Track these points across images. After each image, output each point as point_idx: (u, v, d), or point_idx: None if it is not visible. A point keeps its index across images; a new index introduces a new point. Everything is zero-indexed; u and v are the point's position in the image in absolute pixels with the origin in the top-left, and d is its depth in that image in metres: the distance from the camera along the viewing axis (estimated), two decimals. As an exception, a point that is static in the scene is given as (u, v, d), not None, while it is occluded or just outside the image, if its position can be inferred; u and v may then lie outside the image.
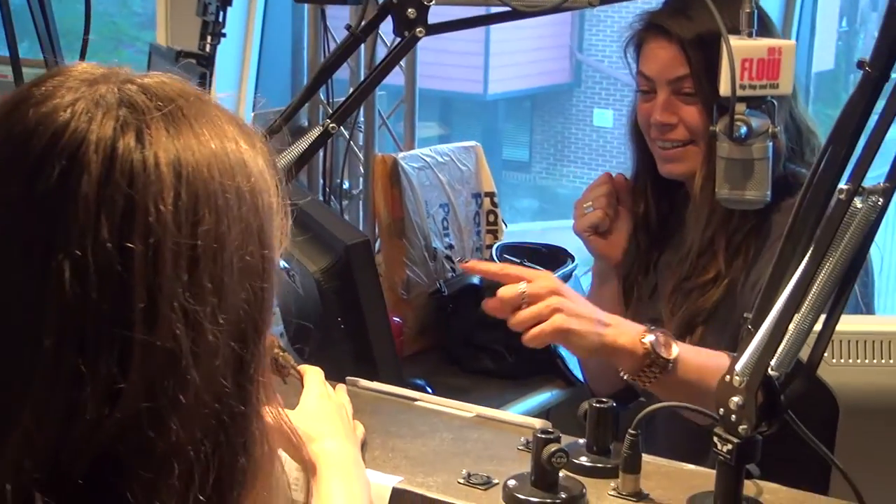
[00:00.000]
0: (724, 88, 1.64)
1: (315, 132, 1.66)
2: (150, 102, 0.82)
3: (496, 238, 2.74)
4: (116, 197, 0.78)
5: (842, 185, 1.17)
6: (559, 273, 2.45)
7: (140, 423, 0.77)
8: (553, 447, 1.32)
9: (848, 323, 1.45)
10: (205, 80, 2.59)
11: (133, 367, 0.77)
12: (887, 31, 1.13)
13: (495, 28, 9.05)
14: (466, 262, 1.60)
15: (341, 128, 2.70)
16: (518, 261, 2.55)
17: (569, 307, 1.60)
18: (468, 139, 2.80)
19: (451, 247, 2.66)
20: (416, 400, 1.61)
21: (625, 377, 1.64)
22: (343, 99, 1.68)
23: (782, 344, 1.25)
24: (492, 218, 2.77)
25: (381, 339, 1.82)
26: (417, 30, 1.66)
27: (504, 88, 10.85)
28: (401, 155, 2.60)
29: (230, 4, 2.46)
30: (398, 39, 1.66)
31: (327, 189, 2.76)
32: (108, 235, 0.77)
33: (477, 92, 10.49)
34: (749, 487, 1.36)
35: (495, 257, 2.54)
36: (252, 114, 2.96)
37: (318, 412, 1.36)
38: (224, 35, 2.73)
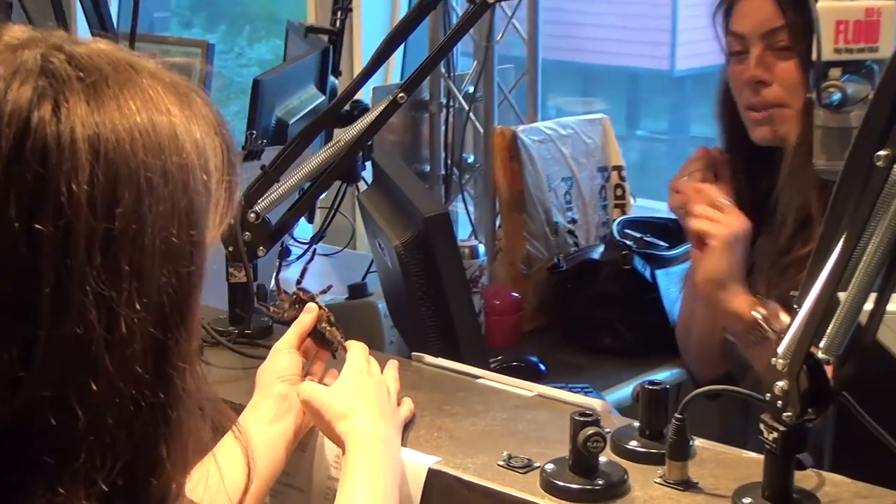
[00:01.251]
0: (825, 53, 1.54)
1: (384, 102, 1.63)
2: (73, 72, 0.77)
3: (624, 212, 2.66)
4: (26, 174, 0.74)
5: (881, 151, 1.07)
6: (683, 249, 2.36)
7: (44, 410, 0.74)
8: (590, 430, 1.25)
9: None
10: (326, 55, 2.60)
11: (37, 353, 0.74)
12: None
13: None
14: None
15: (461, 101, 2.69)
16: (639, 235, 2.48)
17: (733, 239, 1.73)
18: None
19: (573, 221, 2.60)
20: (478, 377, 1.57)
21: (730, 337, 1.66)
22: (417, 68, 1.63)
23: (831, 324, 1.17)
24: (619, 192, 2.69)
25: (462, 315, 1.77)
26: (490, -5, 1.61)
27: (693, 64, 10.55)
28: (521, 128, 2.55)
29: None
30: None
31: (449, 161, 2.73)
32: (16, 215, 0.73)
33: (663, 68, 10.23)
34: (810, 479, 1.27)
35: (616, 232, 2.47)
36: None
37: (353, 388, 1.34)
38: (350, 10, 2.74)
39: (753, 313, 1.70)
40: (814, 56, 1.52)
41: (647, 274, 2.37)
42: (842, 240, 1.11)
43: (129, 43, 2.04)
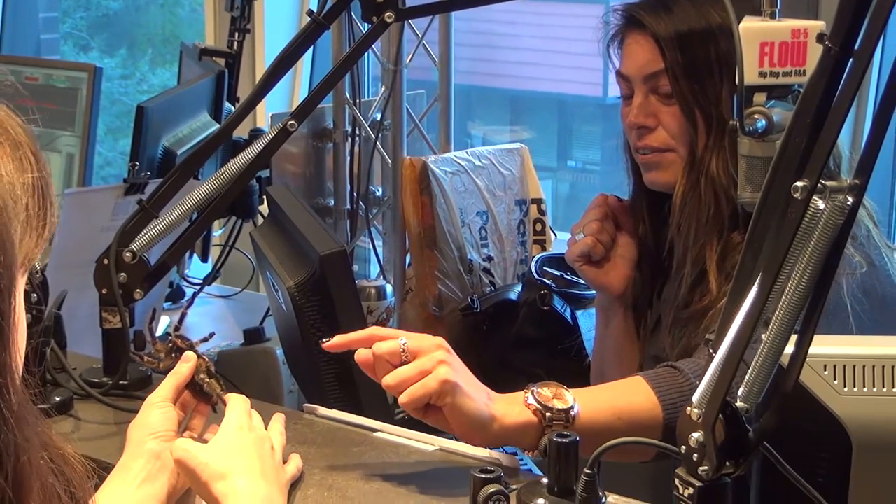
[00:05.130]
0: (748, 77, 1.53)
1: (273, 131, 1.60)
2: None
3: (544, 249, 2.64)
4: None
5: (798, 182, 1.05)
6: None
7: None
8: (491, 488, 1.22)
9: (860, 346, 1.33)
10: (222, 80, 2.56)
11: None
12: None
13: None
14: (326, 342, 1.44)
15: (368, 129, 2.66)
16: (559, 273, 2.46)
17: (456, 363, 1.44)
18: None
19: (489, 258, 2.57)
20: (375, 430, 1.53)
21: (531, 456, 1.49)
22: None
23: (749, 371, 1.14)
24: (539, 227, 2.66)
25: (362, 362, 1.74)
26: (386, 14, 1.59)
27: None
28: (432, 158, 2.52)
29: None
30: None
31: (356, 195, 2.69)
32: None
33: (596, 94, 10.28)
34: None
35: (534, 270, 2.44)
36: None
37: (232, 446, 1.30)
38: (248, 31, 2.71)
39: (528, 402, 1.45)
40: (738, 79, 1.52)
41: (567, 315, 2.35)
42: (759, 278, 1.09)
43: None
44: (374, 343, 1.42)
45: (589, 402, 1.47)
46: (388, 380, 1.39)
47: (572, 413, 1.44)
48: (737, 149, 1.69)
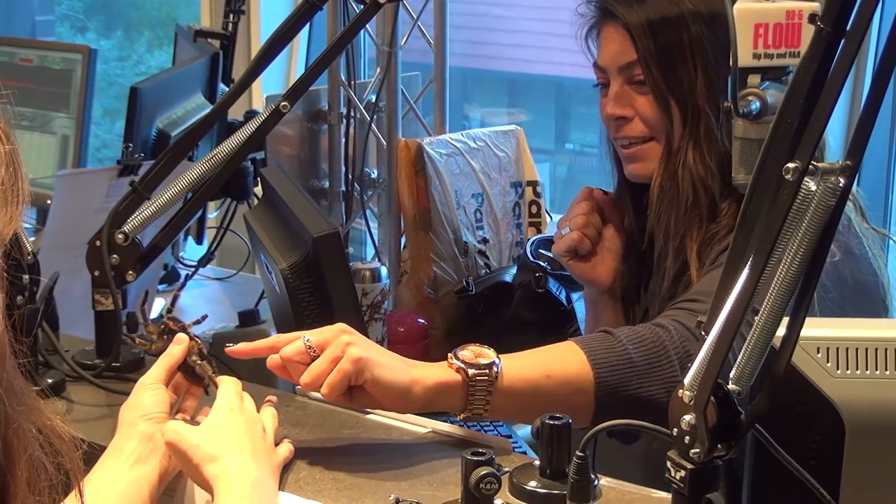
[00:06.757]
0: (742, 59, 1.53)
1: (266, 112, 1.59)
2: None
3: (539, 231, 2.63)
4: None
5: (790, 164, 1.04)
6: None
7: None
8: (483, 471, 1.22)
9: (853, 328, 1.33)
10: (216, 61, 2.55)
11: None
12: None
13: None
14: (230, 346, 1.44)
15: (363, 111, 2.65)
16: (554, 256, 2.45)
17: (364, 342, 1.43)
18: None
19: (484, 241, 2.57)
20: (367, 413, 1.53)
21: (460, 418, 1.47)
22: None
23: (741, 353, 1.14)
24: (534, 209, 2.65)
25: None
26: (379, -4, 1.58)
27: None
28: (427, 140, 2.51)
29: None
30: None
31: (351, 177, 2.68)
32: None
33: (592, 77, 10.21)
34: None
35: (529, 253, 2.44)
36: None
37: (224, 428, 1.30)
38: (243, 12, 2.70)
39: (451, 361, 1.48)
40: (733, 60, 1.51)
41: (563, 297, 2.34)
42: (750, 260, 1.08)
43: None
44: (280, 348, 1.42)
45: (516, 360, 1.49)
46: (305, 378, 1.40)
47: (495, 369, 1.46)
48: (713, 137, 1.71)
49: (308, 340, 1.41)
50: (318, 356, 1.40)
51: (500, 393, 1.45)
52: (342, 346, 1.41)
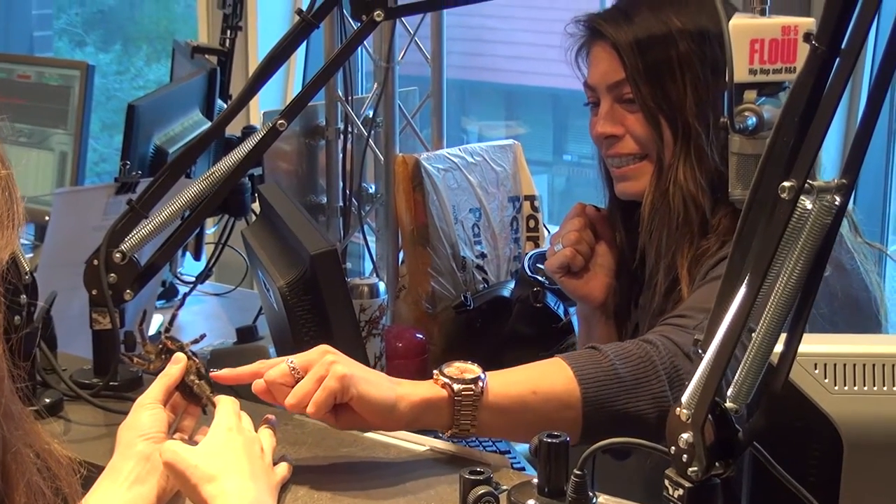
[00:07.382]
0: (738, 75, 1.53)
1: (263, 130, 1.59)
2: None
3: (537, 245, 2.64)
4: None
5: (785, 182, 1.04)
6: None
7: None
8: (480, 490, 1.22)
9: (851, 344, 1.33)
10: (214, 77, 2.55)
11: None
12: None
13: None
14: (214, 371, 1.44)
15: (361, 126, 2.65)
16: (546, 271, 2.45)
17: (347, 360, 1.43)
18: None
19: (482, 255, 2.57)
20: (366, 431, 1.53)
21: (447, 435, 1.47)
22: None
23: (738, 371, 1.14)
24: (532, 224, 2.66)
25: (352, 361, 1.73)
26: (376, 13, 1.58)
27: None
28: (424, 155, 2.51)
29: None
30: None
31: (348, 192, 2.68)
32: None
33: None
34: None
35: (527, 267, 2.44)
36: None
37: (221, 448, 1.29)
38: (240, 28, 2.70)
39: (436, 377, 1.47)
40: (728, 76, 1.52)
41: (561, 311, 2.35)
42: (747, 277, 1.08)
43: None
44: (264, 373, 1.42)
45: (503, 377, 1.49)
46: (290, 399, 1.40)
47: (481, 384, 1.45)
48: (703, 154, 1.72)
49: (292, 363, 1.42)
50: (302, 378, 1.40)
51: (486, 409, 1.45)
52: (326, 365, 1.41)
